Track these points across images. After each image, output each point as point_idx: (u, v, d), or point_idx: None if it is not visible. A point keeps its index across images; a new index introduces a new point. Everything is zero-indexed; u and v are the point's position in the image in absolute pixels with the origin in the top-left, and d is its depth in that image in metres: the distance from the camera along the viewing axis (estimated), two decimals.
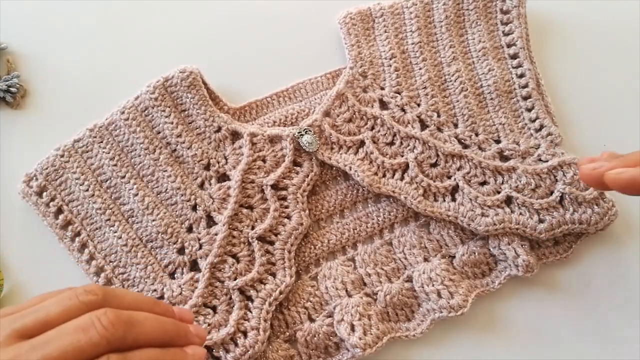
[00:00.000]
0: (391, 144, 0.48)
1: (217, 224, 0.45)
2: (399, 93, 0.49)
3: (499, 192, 0.46)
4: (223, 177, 0.47)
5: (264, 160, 0.47)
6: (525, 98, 0.49)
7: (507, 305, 0.46)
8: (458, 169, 0.47)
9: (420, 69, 0.49)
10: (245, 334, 0.43)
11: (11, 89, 0.50)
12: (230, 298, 0.44)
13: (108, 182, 0.46)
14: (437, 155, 0.47)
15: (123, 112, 0.47)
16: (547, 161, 0.47)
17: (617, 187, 0.35)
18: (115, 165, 0.47)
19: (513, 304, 0.46)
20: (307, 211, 0.46)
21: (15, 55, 0.52)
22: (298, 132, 0.46)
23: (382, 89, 0.49)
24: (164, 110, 0.47)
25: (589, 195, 0.45)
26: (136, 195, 0.46)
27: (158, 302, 0.33)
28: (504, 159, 0.48)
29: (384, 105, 0.49)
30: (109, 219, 0.46)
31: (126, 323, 0.28)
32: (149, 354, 0.29)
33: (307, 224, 0.46)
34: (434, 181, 0.46)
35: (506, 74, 0.49)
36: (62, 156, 0.47)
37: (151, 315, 0.31)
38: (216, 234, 0.45)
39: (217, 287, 0.44)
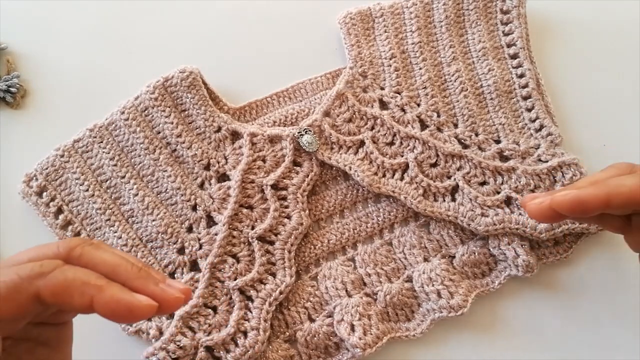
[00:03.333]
0: (391, 144, 0.48)
1: (217, 224, 0.45)
2: (399, 93, 0.49)
3: (498, 193, 0.46)
4: (223, 177, 0.47)
5: (264, 160, 0.47)
6: (525, 98, 0.49)
7: (507, 305, 0.46)
8: (458, 169, 0.47)
9: (420, 69, 0.49)
10: (245, 334, 0.43)
11: (11, 89, 0.50)
12: (231, 298, 0.44)
13: (108, 182, 0.46)
14: (437, 155, 0.47)
15: (123, 112, 0.47)
16: (547, 161, 0.47)
17: (564, 209, 0.33)
18: (115, 165, 0.47)
19: (513, 304, 0.46)
20: (307, 211, 0.46)
21: (15, 55, 0.52)
22: (298, 132, 0.46)
23: (382, 89, 0.49)
24: (164, 110, 0.47)
25: None
26: (136, 195, 0.46)
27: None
28: (504, 159, 0.48)
29: (384, 105, 0.49)
30: (109, 219, 0.46)
31: (82, 242, 0.28)
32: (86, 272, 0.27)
33: (307, 224, 0.46)
34: (434, 181, 0.46)
35: (506, 74, 0.49)
36: (62, 156, 0.47)
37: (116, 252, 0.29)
38: (216, 234, 0.45)
39: (217, 287, 0.44)
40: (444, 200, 0.46)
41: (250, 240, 0.45)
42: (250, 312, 0.43)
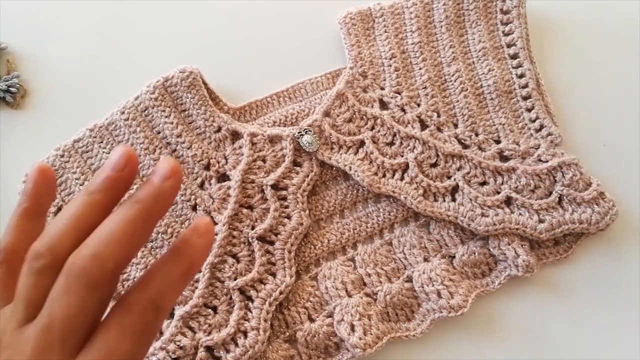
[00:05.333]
0: (391, 144, 0.48)
1: (217, 224, 0.45)
2: (399, 93, 0.49)
3: (498, 193, 0.46)
4: (223, 177, 0.47)
5: (264, 160, 0.47)
6: (525, 98, 0.49)
7: (507, 305, 0.46)
8: (458, 169, 0.47)
9: (420, 69, 0.49)
10: (245, 334, 0.43)
11: (11, 89, 0.50)
12: (231, 298, 0.44)
13: None
14: (437, 155, 0.47)
15: (123, 112, 0.47)
16: (547, 161, 0.47)
17: None
18: None
19: (513, 304, 0.46)
20: (307, 211, 0.46)
21: (15, 55, 0.52)
22: (298, 132, 0.46)
23: (382, 89, 0.49)
24: (164, 110, 0.47)
25: (587, 195, 0.45)
26: None
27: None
28: (504, 159, 0.48)
29: (384, 105, 0.49)
30: None
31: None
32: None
33: (307, 224, 0.46)
34: (434, 181, 0.46)
35: (506, 74, 0.49)
36: (62, 156, 0.47)
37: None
38: (216, 234, 0.45)
39: (217, 287, 0.44)
40: (444, 200, 0.46)
41: (250, 240, 0.45)
42: (250, 312, 0.43)
